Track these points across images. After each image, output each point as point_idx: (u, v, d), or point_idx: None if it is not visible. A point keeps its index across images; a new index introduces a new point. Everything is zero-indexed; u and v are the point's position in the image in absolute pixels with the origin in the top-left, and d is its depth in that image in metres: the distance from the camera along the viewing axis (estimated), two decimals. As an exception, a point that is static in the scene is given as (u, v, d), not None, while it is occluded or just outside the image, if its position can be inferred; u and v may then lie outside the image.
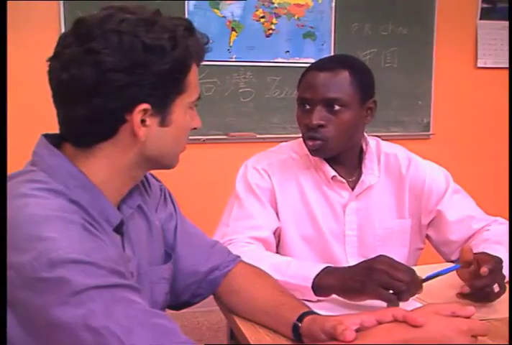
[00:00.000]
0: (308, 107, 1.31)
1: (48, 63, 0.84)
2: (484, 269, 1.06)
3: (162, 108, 0.85)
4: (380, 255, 1.09)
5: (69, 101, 0.83)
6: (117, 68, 0.79)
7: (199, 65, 0.91)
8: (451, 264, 1.19)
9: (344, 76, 1.29)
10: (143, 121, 0.83)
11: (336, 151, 1.35)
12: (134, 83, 0.80)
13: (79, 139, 0.85)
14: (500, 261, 1.13)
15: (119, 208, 0.92)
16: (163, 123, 0.86)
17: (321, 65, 1.33)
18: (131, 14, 0.83)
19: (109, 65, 0.79)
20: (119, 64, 0.79)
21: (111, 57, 0.79)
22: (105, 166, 0.86)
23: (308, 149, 1.35)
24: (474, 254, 1.14)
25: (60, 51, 0.83)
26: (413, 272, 1.06)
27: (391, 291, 1.02)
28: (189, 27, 0.87)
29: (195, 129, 0.94)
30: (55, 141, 0.87)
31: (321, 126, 1.29)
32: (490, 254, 1.14)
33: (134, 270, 0.92)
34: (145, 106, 0.82)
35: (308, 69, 1.35)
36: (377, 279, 1.03)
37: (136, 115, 0.82)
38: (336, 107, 1.29)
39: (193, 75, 0.88)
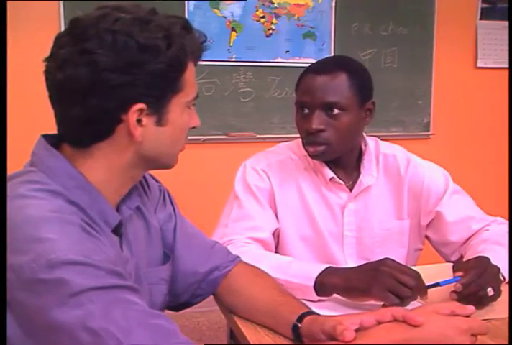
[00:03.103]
0: (306, 111, 1.30)
1: (45, 63, 0.84)
2: (457, 285, 1.06)
3: (158, 107, 0.84)
4: (387, 258, 1.09)
5: (65, 101, 0.83)
6: (111, 68, 0.79)
7: (196, 63, 0.90)
8: (451, 264, 1.19)
9: (342, 79, 1.28)
10: (139, 121, 0.83)
11: (337, 154, 1.34)
12: (128, 83, 0.80)
13: (76, 139, 0.85)
14: (489, 264, 1.12)
15: (117, 209, 0.92)
16: (160, 122, 0.86)
17: (318, 68, 1.31)
18: (126, 13, 0.82)
19: (103, 65, 0.79)
20: (113, 64, 0.79)
21: (106, 56, 0.79)
22: (103, 166, 0.86)
23: (309, 155, 1.34)
24: (468, 261, 1.16)
25: (55, 51, 0.83)
26: (419, 276, 1.06)
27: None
28: (186, 26, 0.86)
29: (194, 128, 0.93)
30: (53, 141, 0.87)
31: (321, 130, 1.28)
32: (479, 260, 1.14)
33: (132, 271, 0.92)
34: (141, 105, 0.82)
35: (305, 72, 1.33)
36: (384, 282, 1.03)
37: (132, 115, 0.82)
38: (336, 111, 1.28)
39: (190, 74, 0.87)
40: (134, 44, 0.80)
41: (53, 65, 0.82)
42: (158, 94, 0.84)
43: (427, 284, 1.08)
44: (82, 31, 0.81)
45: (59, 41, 0.83)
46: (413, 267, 1.13)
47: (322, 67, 1.32)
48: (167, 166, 0.94)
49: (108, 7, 0.84)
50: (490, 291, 1.08)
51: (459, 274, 1.09)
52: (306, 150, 1.34)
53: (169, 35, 0.82)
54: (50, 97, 0.85)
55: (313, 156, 1.34)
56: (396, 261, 1.09)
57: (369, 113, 1.35)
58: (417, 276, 1.05)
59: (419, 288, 1.05)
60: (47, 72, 0.84)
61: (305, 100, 1.30)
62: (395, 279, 1.03)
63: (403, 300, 1.02)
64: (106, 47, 0.79)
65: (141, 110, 0.82)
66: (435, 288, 1.09)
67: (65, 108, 0.83)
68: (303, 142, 1.35)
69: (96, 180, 0.85)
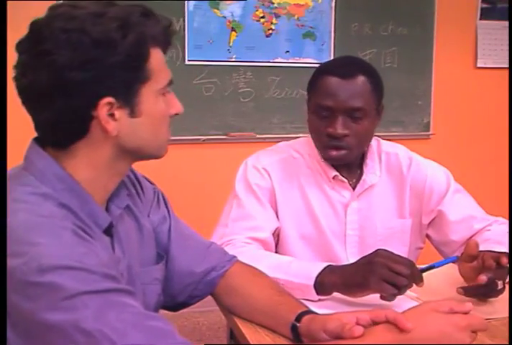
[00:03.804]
0: (327, 114, 1.29)
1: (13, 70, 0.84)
2: (504, 261, 1.08)
3: (127, 99, 0.83)
4: (379, 249, 1.10)
5: (34, 106, 0.83)
6: (70, 67, 0.78)
7: (165, 49, 0.88)
8: (452, 264, 1.19)
9: (365, 84, 1.28)
10: (112, 115, 0.82)
11: (354, 158, 1.35)
12: (90, 79, 0.79)
13: (54, 141, 0.85)
14: (507, 257, 1.13)
15: (107, 208, 0.91)
16: (133, 114, 0.84)
17: (339, 71, 1.30)
18: (80, 9, 0.81)
19: (61, 65, 0.78)
20: (71, 62, 0.78)
21: (62, 56, 0.78)
22: (86, 164, 0.86)
23: (327, 158, 1.34)
24: (481, 251, 1.15)
25: (18, 57, 0.83)
26: (413, 264, 1.07)
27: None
28: (145, 12, 0.84)
29: (176, 114, 0.92)
30: (41, 144, 0.87)
31: (346, 135, 1.29)
32: (496, 251, 1.16)
33: (124, 271, 0.92)
34: (108, 99, 0.81)
35: (322, 73, 1.31)
36: (379, 273, 1.04)
37: (101, 110, 0.81)
38: (358, 115, 1.28)
39: (156, 61, 0.85)
40: (87, 40, 0.79)
41: (18, 72, 0.83)
42: (124, 86, 0.82)
43: (422, 267, 1.09)
44: (37, 33, 0.80)
45: (19, 47, 0.83)
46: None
47: (343, 69, 1.30)
48: (155, 156, 0.92)
49: (63, 5, 0.83)
50: (500, 284, 1.09)
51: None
52: (326, 153, 1.33)
53: (124, 25, 0.81)
54: (22, 103, 0.85)
55: (332, 160, 1.34)
56: (389, 251, 1.09)
57: (378, 116, 1.36)
58: (410, 264, 1.06)
59: (414, 276, 1.05)
60: (15, 79, 0.84)
61: (328, 105, 1.29)
62: (389, 269, 1.04)
63: (400, 289, 1.03)
64: (61, 46, 0.78)
65: (110, 104, 0.81)
66: (434, 286, 1.09)
67: (36, 112, 0.84)
68: (321, 146, 1.33)
69: (82, 179, 0.85)
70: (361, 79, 1.29)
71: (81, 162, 0.85)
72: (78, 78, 0.79)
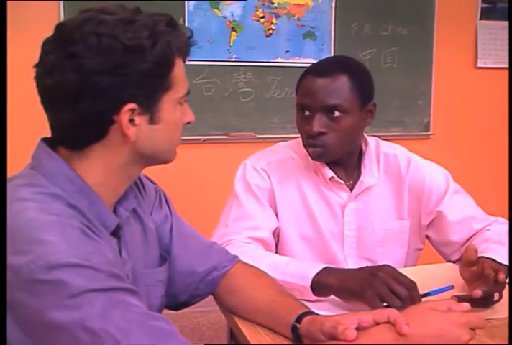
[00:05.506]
0: (307, 113, 1.30)
1: (35, 69, 0.84)
2: (502, 276, 1.06)
3: (149, 106, 0.85)
4: (386, 264, 1.09)
5: (56, 106, 0.84)
6: (99, 71, 0.79)
7: (185, 59, 0.90)
8: (452, 264, 1.19)
9: (344, 82, 1.27)
10: (132, 121, 0.83)
11: (337, 156, 1.34)
12: (117, 84, 0.80)
13: (70, 142, 0.86)
14: (505, 273, 1.12)
15: (115, 211, 0.92)
16: (152, 121, 0.86)
17: (319, 70, 1.30)
18: (110, 15, 0.82)
19: (91, 69, 0.79)
20: (100, 66, 0.79)
21: (92, 60, 0.79)
22: (99, 167, 0.86)
23: (309, 155, 1.34)
24: (482, 257, 1.15)
25: (43, 57, 0.83)
26: (415, 286, 1.05)
27: (385, 304, 1.01)
28: (170, 22, 0.86)
29: (188, 123, 0.94)
30: (51, 144, 0.87)
31: (322, 133, 1.28)
32: (498, 263, 1.14)
33: (129, 273, 0.93)
34: (132, 105, 0.82)
35: (305, 73, 1.32)
36: (376, 289, 1.03)
37: (124, 115, 0.82)
38: (337, 113, 1.27)
39: (179, 71, 0.87)
40: (119, 46, 0.80)
41: (42, 71, 0.83)
42: (148, 93, 0.84)
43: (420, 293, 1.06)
44: (67, 35, 0.81)
45: (46, 46, 0.83)
46: (413, 267, 1.12)
47: (323, 68, 1.31)
48: (166, 161, 0.94)
49: (92, 10, 0.84)
50: (496, 296, 1.08)
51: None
52: (307, 151, 1.34)
53: (154, 34, 0.83)
54: (42, 102, 0.85)
55: (313, 157, 1.34)
56: (395, 269, 1.08)
57: (370, 115, 1.35)
58: (412, 286, 1.04)
59: (413, 298, 1.03)
60: (37, 78, 0.84)
61: (305, 103, 1.30)
62: (388, 287, 1.03)
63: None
64: (91, 50, 0.79)
65: (132, 110, 0.83)
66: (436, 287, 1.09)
67: (57, 112, 0.84)
68: (303, 143, 1.35)
69: (92, 181, 0.86)
70: (339, 77, 1.27)
71: (94, 164, 0.86)
72: (105, 83, 0.80)
